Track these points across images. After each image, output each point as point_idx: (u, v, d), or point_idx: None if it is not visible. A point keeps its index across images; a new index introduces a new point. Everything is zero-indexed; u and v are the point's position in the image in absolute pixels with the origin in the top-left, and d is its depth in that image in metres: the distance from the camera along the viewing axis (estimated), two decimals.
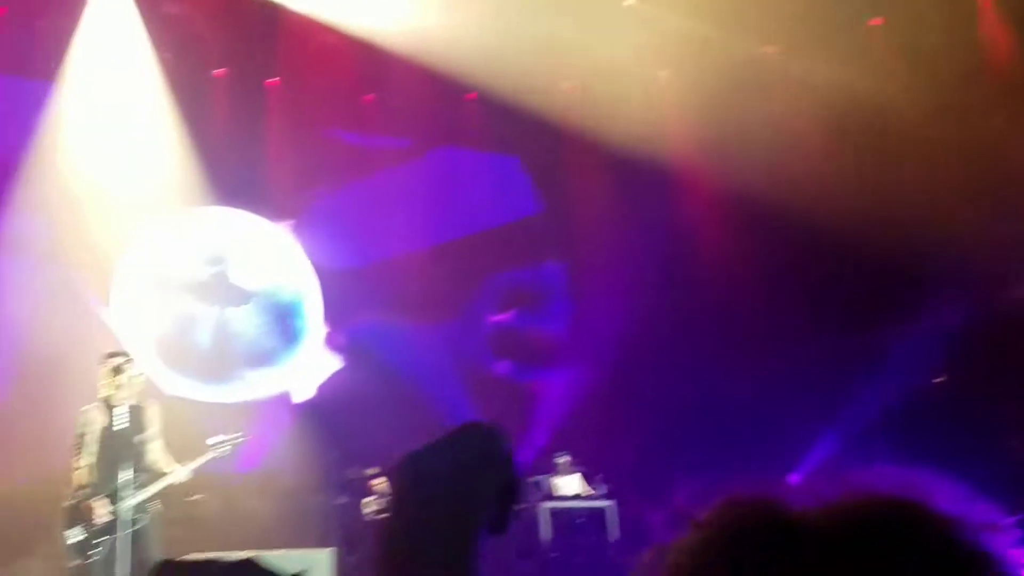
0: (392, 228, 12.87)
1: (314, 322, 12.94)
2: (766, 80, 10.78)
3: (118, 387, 6.15)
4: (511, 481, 1.01)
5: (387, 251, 13.13)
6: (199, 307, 12.21)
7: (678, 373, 11.41)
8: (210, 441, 6.30)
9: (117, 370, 6.10)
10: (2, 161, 10.15)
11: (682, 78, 11.47)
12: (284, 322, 12.85)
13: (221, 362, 12.25)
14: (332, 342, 12.97)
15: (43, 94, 10.49)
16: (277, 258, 12.83)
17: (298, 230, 12.96)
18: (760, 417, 10.65)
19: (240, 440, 6.39)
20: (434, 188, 13.17)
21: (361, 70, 11.77)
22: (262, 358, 12.64)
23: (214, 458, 6.28)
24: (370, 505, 10.07)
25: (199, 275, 12.15)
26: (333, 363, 12.86)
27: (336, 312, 12.96)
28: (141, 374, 6.35)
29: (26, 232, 10.35)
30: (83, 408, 6.21)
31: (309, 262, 12.93)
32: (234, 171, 11.72)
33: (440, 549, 0.96)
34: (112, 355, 6.32)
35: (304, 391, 12.58)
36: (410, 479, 1.05)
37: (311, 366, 12.81)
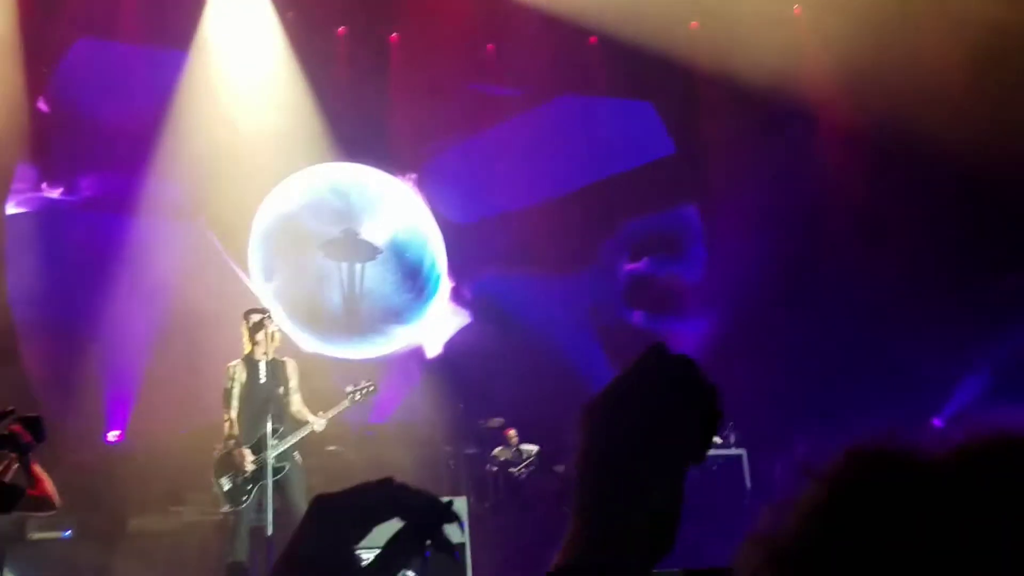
0: (516, 178, 12.74)
1: (441, 277, 12.89)
2: (914, 14, 10.14)
3: (258, 343, 6.36)
4: (712, 410, 1.01)
5: (512, 202, 12.98)
6: (330, 264, 12.33)
7: (813, 319, 11.03)
8: (348, 389, 6.46)
9: (257, 327, 6.30)
10: (143, 128, 10.56)
11: (819, 13, 10.92)
12: (413, 277, 12.85)
13: (353, 319, 12.37)
14: (458, 297, 12.95)
15: (177, 63, 10.85)
16: (404, 213, 12.81)
17: (422, 184, 12.96)
18: (899, 363, 10.22)
19: (372, 389, 6.54)
20: (559, 136, 12.96)
21: (481, 20, 11.69)
22: (393, 314, 12.68)
23: (349, 406, 6.44)
24: (500, 454, 10.20)
25: (329, 232, 12.29)
26: (460, 318, 12.85)
27: (462, 266, 12.92)
28: (278, 330, 6.54)
29: (167, 195, 10.77)
30: (229, 364, 6.47)
31: (434, 216, 12.90)
32: (358, 127, 11.85)
33: (649, 480, 0.96)
34: (252, 312, 6.54)
35: (434, 346, 12.64)
36: (611, 410, 1.03)
37: (439, 321, 12.81)
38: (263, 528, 5.90)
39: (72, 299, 10.02)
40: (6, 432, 3.98)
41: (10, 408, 4.07)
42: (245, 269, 11.67)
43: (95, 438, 9.86)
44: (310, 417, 6.29)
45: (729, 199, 12.10)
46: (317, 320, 12.04)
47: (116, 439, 10.07)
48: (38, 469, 4.05)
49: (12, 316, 9.89)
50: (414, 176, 12.97)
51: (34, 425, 4.05)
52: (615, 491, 0.92)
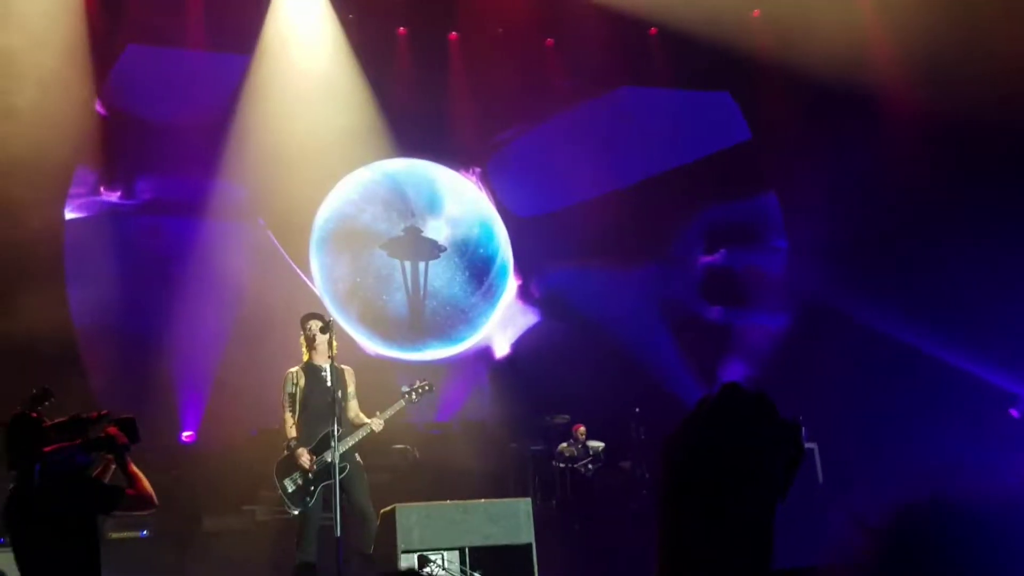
0: (583, 170, 12.48)
1: (509, 274, 12.67)
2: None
3: (316, 349, 6.42)
4: (798, 452, 1.07)
5: (579, 194, 12.72)
6: (392, 263, 12.14)
7: (891, 309, 10.75)
8: (403, 389, 6.49)
9: (321, 330, 6.35)
10: (200, 131, 10.63)
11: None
12: (479, 276, 12.62)
13: (417, 321, 12.14)
14: (526, 294, 12.69)
15: (234, 66, 11.01)
16: (468, 208, 12.63)
17: (487, 178, 12.77)
18: (980, 354, 9.92)
19: (428, 388, 6.55)
20: (624, 126, 12.71)
21: (538, 16, 11.64)
22: (460, 315, 12.44)
23: (404, 406, 6.47)
24: (566, 451, 10.15)
25: (391, 230, 12.21)
26: (528, 317, 12.57)
27: (529, 262, 12.71)
28: (333, 336, 6.55)
29: (227, 197, 10.90)
30: (288, 370, 6.55)
31: (500, 210, 12.71)
32: (420, 124, 11.87)
33: (735, 515, 0.99)
34: (310, 317, 6.59)
35: (502, 346, 12.41)
36: (694, 447, 1.05)
37: (507, 321, 12.52)
38: (331, 528, 5.97)
39: (137, 303, 10.08)
40: (103, 434, 4.11)
41: (104, 411, 4.21)
42: (305, 269, 11.64)
43: (169, 439, 10.07)
44: (367, 420, 6.35)
45: (803, 187, 11.79)
46: (380, 322, 11.92)
47: (189, 439, 10.27)
48: (135, 469, 4.17)
49: (73, 324, 10.01)
50: (478, 170, 12.76)
51: (129, 427, 4.21)
52: (701, 526, 0.92)
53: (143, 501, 4.18)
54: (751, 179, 12.80)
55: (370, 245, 12.14)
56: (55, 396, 5.35)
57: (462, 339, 12.35)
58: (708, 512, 0.97)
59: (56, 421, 4.09)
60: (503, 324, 12.59)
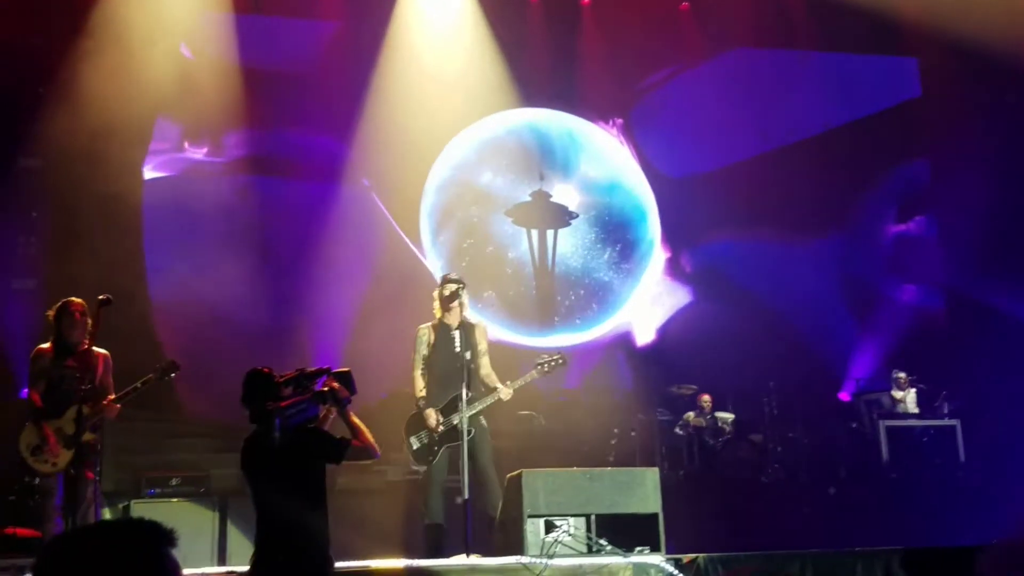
0: (741, 124, 11.18)
1: (655, 245, 11.33)
2: None
3: (451, 310, 6.50)
4: None
5: (738, 151, 11.34)
6: (517, 232, 11.06)
7: None
8: (537, 360, 6.51)
9: (452, 296, 6.43)
10: (309, 83, 10.30)
11: None
12: (619, 246, 11.33)
13: (546, 299, 11.02)
14: (676, 269, 11.42)
15: (378, 37, 10.81)
16: (607, 167, 11.21)
17: (630, 131, 11.34)
18: None
19: (562, 363, 6.54)
20: (784, 80, 11.71)
21: None
22: (595, 293, 11.14)
23: (537, 377, 6.49)
24: (693, 420, 10.00)
25: (517, 195, 11.29)
26: (678, 297, 11.26)
27: (680, 231, 11.38)
28: (466, 299, 6.61)
29: (367, 164, 10.68)
30: (420, 327, 6.65)
31: (645, 170, 11.31)
32: (551, 74, 11.25)
33: None
34: (449, 280, 6.67)
35: (645, 332, 11.15)
36: None
37: (651, 300, 11.15)
38: (456, 490, 6.05)
39: (231, 274, 9.51)
40: (326, 388, 4.30)
41: (325, 366, 4.42)
42: (415, 238, 10.75)
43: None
44: (498, 384, 6.39)
45: (960, 155, 10.88)
46: (502, 302, 10.87)
47: None
48: (356, 420, 4.36)
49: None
50: (619, 121, 11.37)
51: (346, 379, 4.40)
52: None
53: (367, 451, 4.37)
54: (913, 140, 11.68)
55: (491, 211, 11.06)
56: (180, 368, 5.63)
57: (597, 322, 11.10)
58: None
59: (285, 376, 4.29)
60: (647, 305, 11.26)
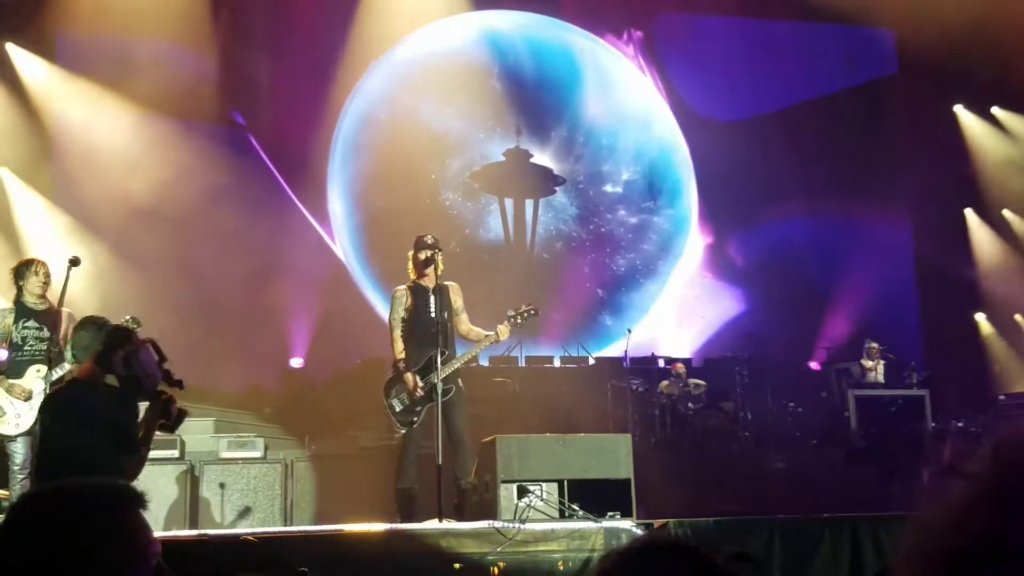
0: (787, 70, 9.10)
1: (688, 225, 9.47)
2: None
3: (426, 275, 6.49)
4: None
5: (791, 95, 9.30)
6: (486, 202, 9.39)
7: None
8: (508, 312, 6.51)
9: (428, 261, 6.41)
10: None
11: None
12: (633, 224, 9.25)
13: (519, 301, 9.62)
14: (721, 261, 9.92)
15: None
16: (618, 104, 8.42)
17: (650, 52, 8.57)
18: None
19: (534, 313, 6.55)
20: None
21: None
22: (593, 299, 9.38)
23: (510, 327, 6.46)
24: (667, 388, 10.09)
25: (487, 150, 9.12)
26: (724, 304, 9.51)
27: (727, 205, 9.36)
28: (440, 261, 6.59)
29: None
30: (396, 288, 6.63)
31: (675, 109, 8.59)
32: None
33: None
34: (423, 244, 6.64)
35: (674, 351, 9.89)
36: None
37: (682, 312, 9.41)
38: (431, 456, 6.08)
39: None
40: (175, 407, 4.31)
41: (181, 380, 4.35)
42: (317, 211, 9.09)
43: (280, 364, 10.40)
44: (485, 333, 6.39)
45: None
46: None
47: (299, 366, 10.58)
48: (151, 441, 4.38)
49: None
50: (638, 35, 8.68)
51: (175, 415, 4.35)
52: None
53: (138, 468, 4.30)
54: None
55: (443, 169, 8.74)
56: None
57: (596, 346, 9.17)
58: None
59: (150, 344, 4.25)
60: (675, 320, 9.24)
